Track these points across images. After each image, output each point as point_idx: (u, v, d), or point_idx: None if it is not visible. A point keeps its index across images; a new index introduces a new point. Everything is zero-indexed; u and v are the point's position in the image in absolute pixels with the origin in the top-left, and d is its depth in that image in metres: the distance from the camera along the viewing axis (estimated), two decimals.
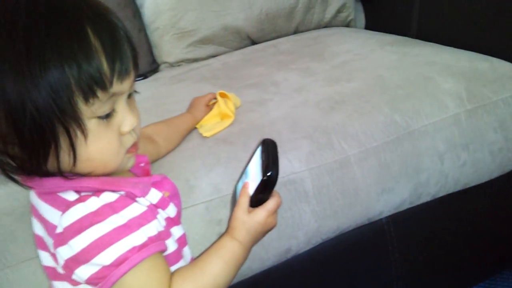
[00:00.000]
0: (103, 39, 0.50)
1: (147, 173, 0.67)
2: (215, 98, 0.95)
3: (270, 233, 0.71)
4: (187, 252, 0.68)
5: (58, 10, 0.49)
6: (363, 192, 0.86)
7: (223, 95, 0.95)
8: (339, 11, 1.45)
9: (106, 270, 0.52)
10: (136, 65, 0.55)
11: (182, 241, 0.66)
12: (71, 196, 0.54)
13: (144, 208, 0.56)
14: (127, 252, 0.52)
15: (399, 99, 0.93)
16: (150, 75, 1.35)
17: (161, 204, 0.61)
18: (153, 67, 1.41)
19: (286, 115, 0.91)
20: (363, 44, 1.20)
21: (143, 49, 1.39)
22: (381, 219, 0.94)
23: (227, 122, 0.90)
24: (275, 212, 0.64)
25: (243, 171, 0.68)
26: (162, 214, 0.61)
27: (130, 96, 0.57)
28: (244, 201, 0.63)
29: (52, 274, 0.58)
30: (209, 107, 0.95)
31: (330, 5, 1.44)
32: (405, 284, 1.01)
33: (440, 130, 0.91)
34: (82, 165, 0.53)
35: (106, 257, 0.51)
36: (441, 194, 0.95)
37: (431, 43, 1.17)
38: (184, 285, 0.57)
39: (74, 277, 0.54)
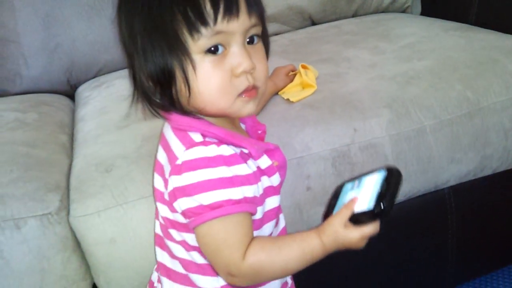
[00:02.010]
0: None
1: (261, 140, 0.71)
2: (294, 70, 1.03)
3: None
4: (281, 220, 0.73)
5: None
6: (435, 160, 0.94)
7: (304, 67, 1.02)
8: None
9: (202, 209, 0.57)
10: (252, 8, 0.57)
11: (273, 213, 0.67)
12: (197, 137, 0.61)
13: (250, 171, 0.60)
14: (223, 201, 0.57)
15: (469, 77, 1.00)
16: None
17: (268, 171, 0.65)
18: None
19: (365, 86, 0.99)
20: (426, 28, 1.27)
21: None
22: (443, 189, 1.01)
23: (310, 90, 0.98)
24: (368, 237, 0.62)
25: (358, 177, 0.65)
26: (265, 182, 0.64)
27: (253, 42, 0.60)
28: (345, 214, 0.61)
29: (158, 196, 0.66)
30: (289, 77, 1.02)
31: None
32: (459, 253, 1.08)
33: (507, 109, 0.98)
34: (196, 100, 0.59)
35: (206, 197, 0.57)
36: (502, 168, 1.02)
37: (492, 30, 1.23)
38: (260, 253, 0.59)
39: (175, 204, 0.60)
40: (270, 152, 0.66)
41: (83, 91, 1.28)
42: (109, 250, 0.77)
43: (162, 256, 0.68)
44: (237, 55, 0.57)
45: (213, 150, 0.58)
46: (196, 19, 0.55)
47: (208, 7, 0.55)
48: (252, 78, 0.59)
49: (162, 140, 0.67)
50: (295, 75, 1.02)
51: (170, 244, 0.66)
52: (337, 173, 0.88)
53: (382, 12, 1.53)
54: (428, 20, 1.37)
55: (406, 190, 0.94)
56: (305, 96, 0.96)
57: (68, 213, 0.78)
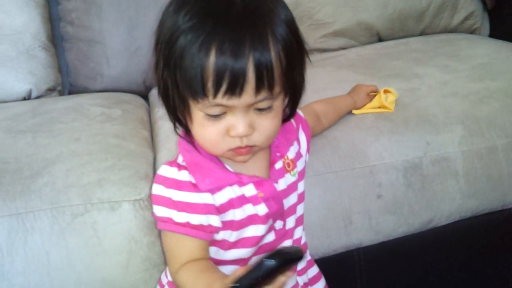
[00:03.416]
0: (220, 59, 0.54)
1: (273, 163, 0.69)
2: (376, 91, 1.00)
3: (419, 201, 0.86)
4: (302, 237, 0.74)
5: None
6: (505, 179, 0.95)
7: (386, 91, 1.00)
8: (466, 18, 1.53)
9: (155, 217, 0.65)
10: (263, 87, 0.55)
11: (253, 241, 0.67)
12: (179, 158, 0.67)
13: (199, 201, 0.63)
14: (167, 218, 0.63)
15: None
16: None
17: (253, 200, 0.66)
18: None
19: (437, 102, 1.01)
20: (497, 50, 1.28)
21: None
22: (510, 209, 1.02)
23: (381, 110, 0.99)
24: None
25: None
26: (249, 210, 0.65)
27: (261, 110, 0.58)
28: (227, 281, 0.53)
29: None
30: (369, 96, 1.01)
31: (459, 11, 1.52)
32: None
33: None
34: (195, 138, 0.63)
35: (157, 210, 0.64)
36: None
37: None
38: (184, 276, 0.62)
39: None
40: (257, 183, 0.66)
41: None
42: None
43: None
44: (233, 121, 0.58)
45: (172, 173, 0.64)
46: (197, 91, 0.55)
47: (210, 84, 0.55)
48: (248, 140, 0.60)
49: None
50: (375, 95, 1.01)
51: None
52: (407, 183, 0.91)
53: (450, 32, 1.55)
54: (498, 42, 1.38)
55: (473, 207, 0.96)
56: (368, 112, 0.98)
57: None
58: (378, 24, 1.49)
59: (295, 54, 0.59)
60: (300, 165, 0.72)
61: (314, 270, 0.80)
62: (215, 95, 0.55)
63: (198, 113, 0.59)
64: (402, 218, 0.92)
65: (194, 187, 0.63)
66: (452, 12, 1.52)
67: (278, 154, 0.69)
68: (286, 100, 0.63)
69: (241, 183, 0.65)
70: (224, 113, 0.58)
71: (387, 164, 0.90)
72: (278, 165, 0.69)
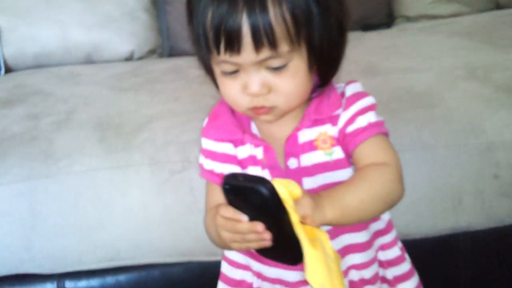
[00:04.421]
0: (215, 16, 0.53)
1: (295, 131, 0.63)
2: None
3: None
4: None
5: None
6: None
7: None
8: None
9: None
10: (262, 44, 0.53)
11: None
12: None
13: (219, 151, 0.64)
14: (200, 164, 0.67)
15: None
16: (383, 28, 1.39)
17: (261, 164, 0.63)
18: (389, 20, 1.44)
19: None
20: None
21: (380, 1, 1.43)
22: None
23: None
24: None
25: None
26: (258, 172, 0.63)
27: (275, 68, 0.56)
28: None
29: None
30: None
31: None
32: None
33: None
34: None
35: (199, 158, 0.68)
36: None
37: None
38: (206, 218, 0.65)
39: None
40: (266, 148, 0.63)
41: None
42: None
43: None
44: (247, 78, 0.56)
45: (205, 121, 0.68)
46: (204, 47, 0.56)
47: (211, 41, 0.55)
48: (264, 99, 0.57)
49: None
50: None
51: None
52: None
53: None
54: None
55: None
56: None
57: None
58: None
59: (308, 12, 0.55)
60: (338, 151, 0.62)
61: (404, 267, 0.69)
62: (218, 51, 0.55)
63: (216, 69, 0.58)
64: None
65: (217, 136, 0.65)
66: None
67: (308, 124, 0.62)
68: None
69: (255, 143, 0.63)
70: (237, 71, 0.56)
71: (508, 142, 0.80)
72: (305, 136, 0.62)
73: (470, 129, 0.82)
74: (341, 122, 0.61)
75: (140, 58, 1.34)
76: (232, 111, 0.64)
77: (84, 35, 1.32)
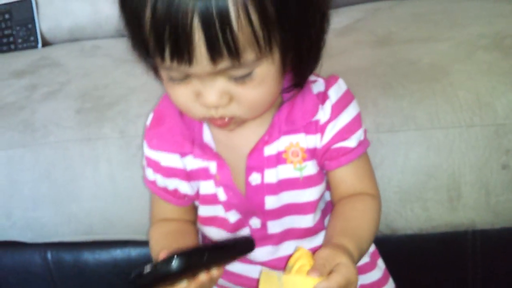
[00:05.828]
0: (156, 12, 0.41)
1: (258, 145, 0.53)
2: None
3: None
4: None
5: None
6: None
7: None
8: None
9: None
10: (221, 54, 0.41)
11: (210, 220, 0.58)
12: None
13: (151, 155, 0.56)
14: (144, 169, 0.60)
15: None
16: None
17: (214, 179, 0.54)
18: None
19: None
20: None
21: None
22: None
23: None
24: None
25: None
26: (211, 187, 0.55)
27: (240, 78, 0.45)
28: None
29: None
30: None
31: None
32: None
33: None
34: None
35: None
36: None
37: None
38: (150, 230, 0.59)
39: None
40: (220, 164, 0.53)
41: None
42: None
43: None
44: (200, 87, 0.45)
45: (148, 120, 0.58)
46: (144, 48, 0.44)
47: (153, 45, 0.42)
48: (224, 110, 0.46)
49: None
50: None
51: None
52: None
53: None
54: None
55: None
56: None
57: None
58: None
59: (282, 8, 0.42)
60: (311, 166, 0.53)
61: (373, 275, 0.61)
62: (161, 58, 0.43)
63: (163, 73, 0.47)
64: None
65: (158, 143, 0.56)
66: None
67: (277, 136, 0.52)
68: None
69: (206, 158, 0.54)
70: (188, 76, 0.45)
71: None
72: (273, 147, 0.52)
73: (477, 109, 0.68)
74: (328, 134, 0.52)
75: None
76: (181, 113, 0.54)
77: (114, 9, 1.32)
